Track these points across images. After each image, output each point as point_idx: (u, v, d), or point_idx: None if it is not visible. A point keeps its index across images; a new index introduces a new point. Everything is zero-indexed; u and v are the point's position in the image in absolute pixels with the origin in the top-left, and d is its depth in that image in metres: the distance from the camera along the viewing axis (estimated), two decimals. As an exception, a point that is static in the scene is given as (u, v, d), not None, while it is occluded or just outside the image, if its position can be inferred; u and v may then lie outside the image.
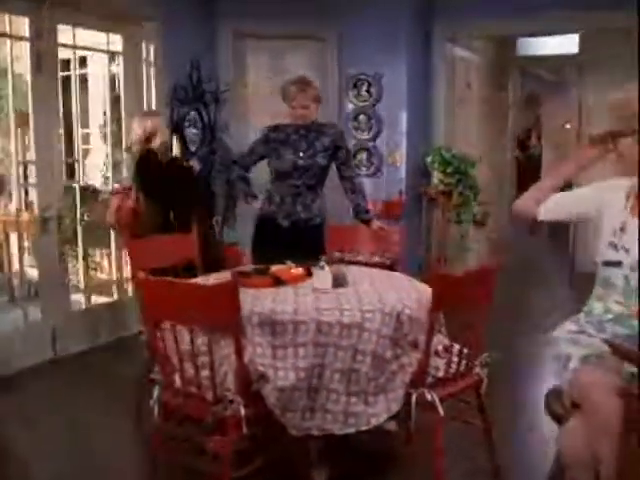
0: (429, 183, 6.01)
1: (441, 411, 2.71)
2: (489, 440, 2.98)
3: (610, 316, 2.14)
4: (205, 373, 2.59)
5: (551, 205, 2.34)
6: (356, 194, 4.01)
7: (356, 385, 2.65)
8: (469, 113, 7.01)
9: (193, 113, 5.38)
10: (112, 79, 5.38)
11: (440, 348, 2.92)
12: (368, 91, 5.94)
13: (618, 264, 2.11)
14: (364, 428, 2.66)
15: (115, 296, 5.22)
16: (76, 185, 4.89)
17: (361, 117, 5.99)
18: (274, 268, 3.22)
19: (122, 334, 5.01)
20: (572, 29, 6.92)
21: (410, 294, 2.95)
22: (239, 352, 2.50)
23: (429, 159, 5.87)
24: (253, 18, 5.59)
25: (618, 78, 7.31)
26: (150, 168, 4.17)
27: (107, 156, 5.31)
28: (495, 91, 7.75)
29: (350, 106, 6.03)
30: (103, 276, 5.55)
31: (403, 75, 5.77)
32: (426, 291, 3.00)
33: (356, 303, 2.76)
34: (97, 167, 5.88)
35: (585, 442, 1.90)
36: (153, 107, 5.08)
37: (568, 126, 12.90)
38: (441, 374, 2.84)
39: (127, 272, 5.15)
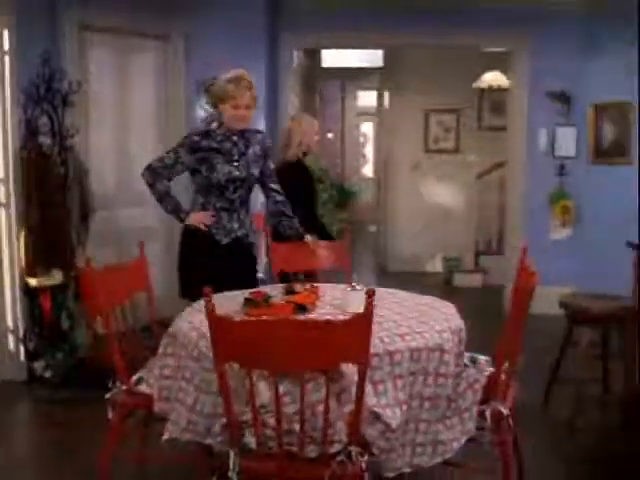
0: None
1: (512, 423, 2.65)
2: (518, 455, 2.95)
3: None
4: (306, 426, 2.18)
5: None
6: (286, 208, 3.73)
7: (440, 411, 2.46)
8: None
9: (44, 117, 4.54)
10: None
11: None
12: (221, 97, 5.59)
13: None
14: (449, 455, 2.48)
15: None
16: None
17: (214, 125, 5.58)
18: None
19: None
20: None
21: (443, 309, 2.85)
22: (361, 394, 2.14)
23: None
24: (97, 8, 4.92)
25: (420, 88, 8.01)
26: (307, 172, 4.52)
27: None
28: (306, 98, 7.87)
29: (201, 113, 5.61)
30: None
31: (261, 81, 5.51)
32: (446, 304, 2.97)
33: (425, 325, 2.56)
34: None
35: None
36: (7, 106, 4.20)
37: (330, 135, 13.77)
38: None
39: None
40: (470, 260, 7.75)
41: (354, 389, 2.19)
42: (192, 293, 3.46)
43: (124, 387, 2.78)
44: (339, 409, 2.22)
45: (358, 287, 2.79)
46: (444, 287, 7.48)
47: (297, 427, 2.17)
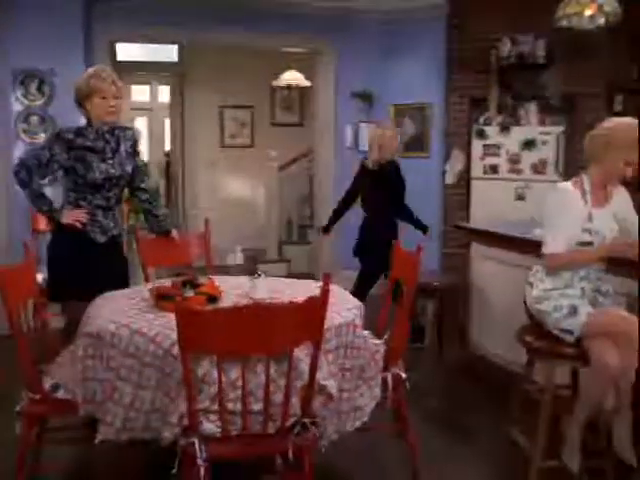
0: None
1: (408, 385, 3.05)
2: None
3: (582, 274, 2.89)
4: (259, 406, 2.32)
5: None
6: (152, 206, 3.76)
7: (354, 380, 2.74)
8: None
9: None
10: None
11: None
12: (40, 89, 5.28)
13: (590, 244, 2.83)
14: (365, 419, 2.78)
15: None
16: None
17: (33, 118, 5.28)
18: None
19: None
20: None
21: (335, 290, 3.12)
22: (314, 369, 2.35)
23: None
24: None
25: (215, 84, 8.15)
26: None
27: None
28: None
29: (18, 106, 5.26)
30: None
31: (81, 73, 5.33)
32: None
33: (335, 305, 2.78)
34: None
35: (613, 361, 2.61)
36: None
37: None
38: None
39: None
40: (274, 250, 8.10)
41: (302, 366, 2.40)
42: (67, 294, 3.38)
43: (37, 396, 2.67)
44: (305, 382, 2.37)
45: (263, 276, 2.98)
46: (250, 278, 7.73)
47: (255, 407, 2.32)
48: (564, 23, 4.30)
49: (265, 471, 2.91)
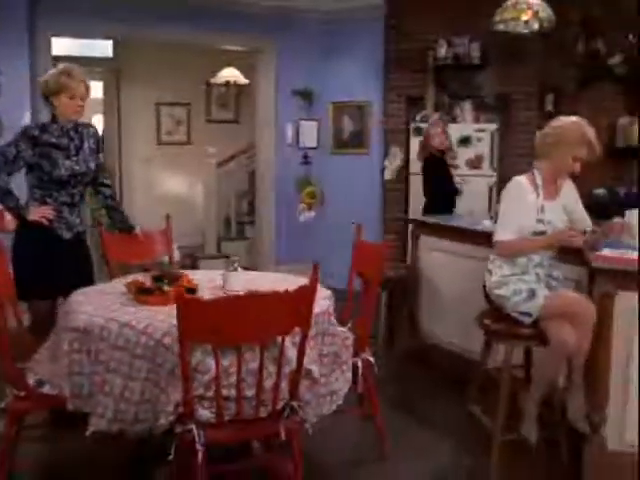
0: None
1: (376, 370, 3.23)
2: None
3: (536, 261, 3.13)
4: (251, 392, 2.44)
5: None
6: (116, 201, 3.82)
7: (330, 365, 2.89)
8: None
9: None
10: None
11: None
12: (-16, 89, 5.20)
13: (543, 233, 3.08)
14: (340, 402, 2.93)
15: None
16: None
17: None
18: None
19: None
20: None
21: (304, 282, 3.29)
22: (302, 355, 2.48)
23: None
24: None
25: (151, 80, 8.10)
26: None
27: None
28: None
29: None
30: None
31: (26, 72, 5.28)
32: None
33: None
34: None
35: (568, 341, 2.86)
36: None
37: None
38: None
39: None
40: (213, 247, 8.14)
41: (290, 353, 2.53)
42: (32, 291, 3.38)
43: (22, 393, 2.70)
44: (293, 367, 2.50)
45: (239, 269, 3.09)
46: (192, 274, 7.75)
47: (248, 393, 2.43)
48: (501, 27, 4.56)
49: (243, 455, 3.05)
